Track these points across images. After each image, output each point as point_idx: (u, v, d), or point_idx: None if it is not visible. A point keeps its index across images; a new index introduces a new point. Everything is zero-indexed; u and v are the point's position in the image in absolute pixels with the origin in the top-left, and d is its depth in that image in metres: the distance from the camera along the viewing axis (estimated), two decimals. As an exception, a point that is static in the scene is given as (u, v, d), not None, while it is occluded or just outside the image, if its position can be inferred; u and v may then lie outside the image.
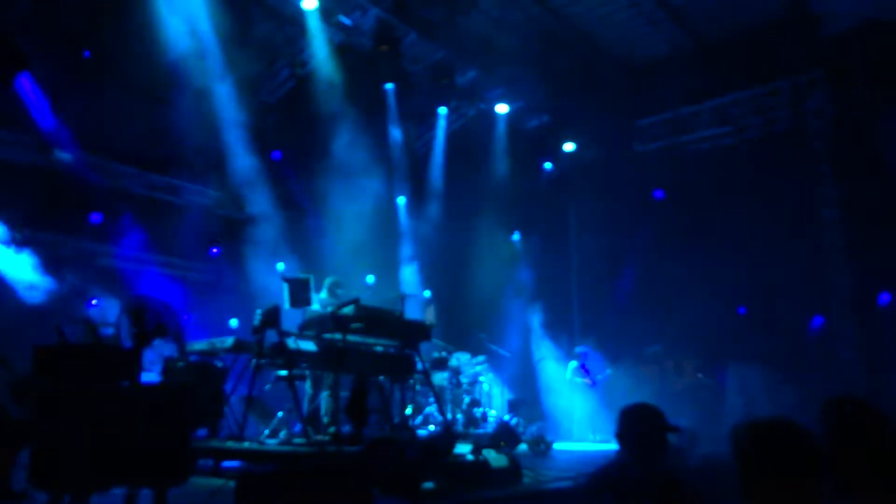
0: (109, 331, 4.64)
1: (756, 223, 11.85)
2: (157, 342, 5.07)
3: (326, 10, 10.92)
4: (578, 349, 12.05)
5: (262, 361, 6.93)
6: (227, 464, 6.27)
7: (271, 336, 6.75)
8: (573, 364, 11.88)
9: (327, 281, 8.70)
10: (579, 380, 11.64)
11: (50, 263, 10.02)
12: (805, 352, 11.36)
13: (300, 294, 7.33)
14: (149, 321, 4.54)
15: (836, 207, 11.74)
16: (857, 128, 11.38)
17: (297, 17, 11.24)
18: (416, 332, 7.67)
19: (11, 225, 9.98)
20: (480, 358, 11.16)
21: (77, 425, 3.84)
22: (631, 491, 3.02)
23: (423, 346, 8.18)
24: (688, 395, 11.95)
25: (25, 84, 9.99)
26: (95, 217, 11.49)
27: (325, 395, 7.68)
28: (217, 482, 5.11)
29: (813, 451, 2.04)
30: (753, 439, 2.06)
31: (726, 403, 11.67)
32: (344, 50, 11.83)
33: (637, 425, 3.20)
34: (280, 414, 7.79)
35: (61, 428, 3.89)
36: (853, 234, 11.43)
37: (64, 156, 10.89)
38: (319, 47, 11.68)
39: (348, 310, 6.86)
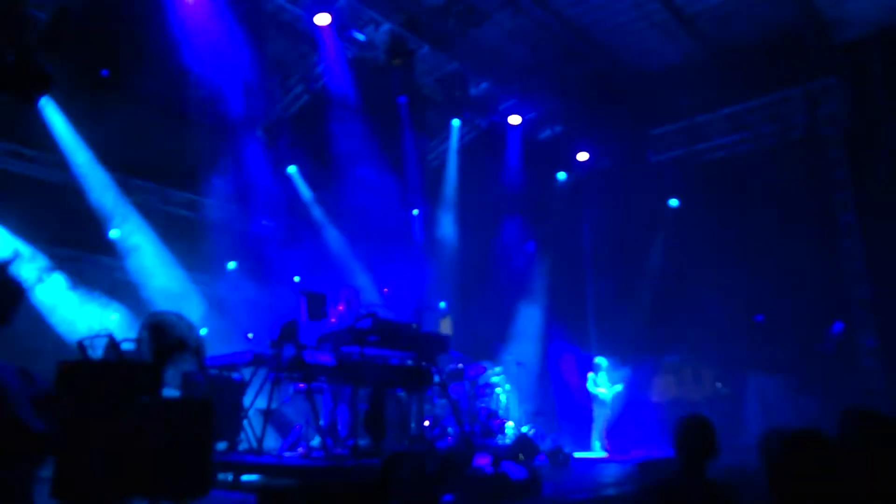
0: (130, 346, 4.68)
1: (773, 230, 11.78)
2: (176, 356, 5.10)
3: (340, 26, 11.03)
4: (596, 359, 11.99)
5: (281, 375, 6.96)
6: (246, 477, 6.29)
7: (289, 350, 6.78)
8: (591, 375, 11.82)
9: (345, 293, 8.73)
10: (597, 390, 11.58)
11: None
12: (825, 360, 11.24)
13: (318, 308, 7.36)
14: (169, 336, 4.58)
15: (854, 213, 11.66)
16: (874, 133, 11.32)
17: (311, 32, 11.35)
18: (432, 344, 7.67)
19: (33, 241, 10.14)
20: (497, 369, 11.13)
21: (99, 439, 3.88)
22: (680, 499, 3.19)
23: (440, 358, 8.18)
24: (706, 405, 11.84)
25: (46, 103, 10.16)
26: (114, 232, 11.61)
27: (343, 409, 7.70)
28: (237, 496, 5.14)
29: (841, 462, 2.04)
30: (784, 450, 2.07)
31: (745, 413, 11.55)
32: (357, 64, 11.93)
33: (689, 435, 3.37)
34: (298, 427, 7.81)
35: (83, 442, 3.93)
36: (871, 240, 11.34)
37: (85, 172, 11.04)
38: (333, 62, 11.78)
39: (365, 323, 6.88)
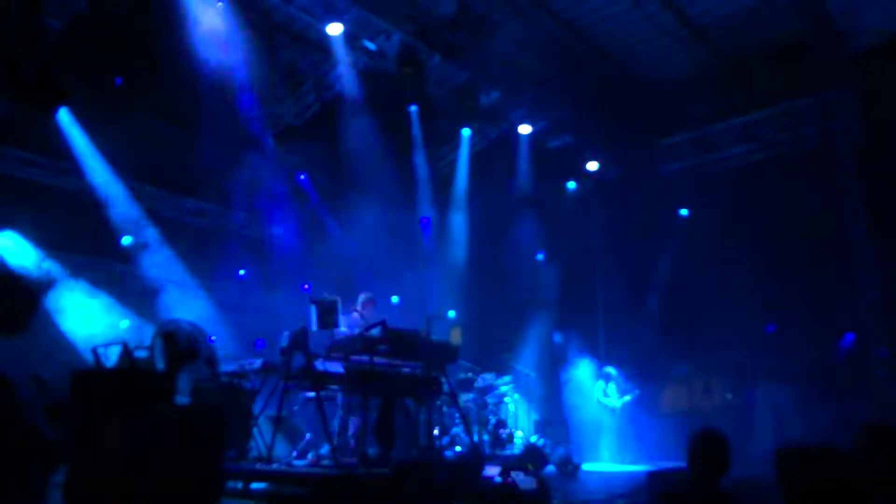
0: (143, 353, 4.71)
1: (784, 240, 11.73)
2: (188, 365, 5.13)
3: (351, 35, 11.10)
4: (605, 369, 11.96)
5: (290, 383, 6.98)
6: (255, 485, 6.31)
7: (299, 358, 6.80)
8: (600, 384, 11.79)
9: (361, 297, 8.73)
10: (606, 400, 11.55)
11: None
12: (836, 370, 11.17)
13: (328, 316, 7.37)
14: (181, 344, 4.61)
15: (865, 223, 11.58)
16: (886, 143, 11.26)
17: (323, 42, 11.43)
18: (442, 354, 7.66)
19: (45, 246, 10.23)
20: (506, 378, 11.11)
21: (111, 447, 3.91)
22: None
23: (449, 367, 8.18)
24: (717, 416, 11.79)
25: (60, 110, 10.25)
26: (126, 239, 11.69)
27: (352, 418, 7.72)
28: (247, 504, 5.15)
29: (858, 478, 2.04)
30: (800, 465, 2.07)
31: (756, 424, 11.50)
32: (369, 73, 11.99)
33: (702, 450, 3.39)
34: (308, 435, 7.83)
35: (95, 449, 3.96)
36: (883, 251, 11.26)
37: (96, 179, 11.13)
38: (345, 71, 11.86)
39: (375, 332, 6.89)
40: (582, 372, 12.99)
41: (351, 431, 7.75)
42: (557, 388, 13.28)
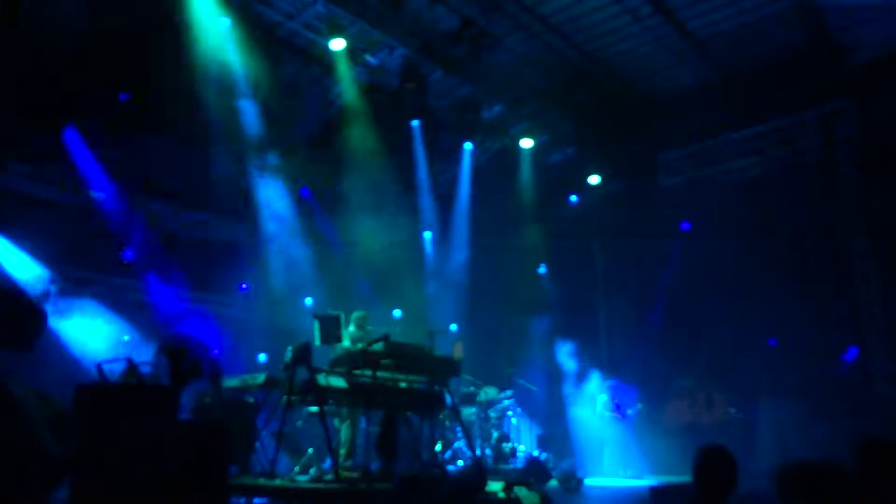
0: (147, 369, 4.73)
1: (785, 253, 11.75)
2: (192, 380, 5.14)
3: (354, 51, 11.17)
4: (608, 383, 11.94)
5: (293, 398, 6.98)
6: (258, 500, 6.30)
7: (302, 372, 6.80)
8: (603, 398, 11.77)
9: (354, 315, 8.77)
10: (609, 414, 11.52)
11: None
12: (838, 385, 11.15)
13: (331, 331, 7.40)
14: (186, 360, 4.62)
15: (867, 236, 11.61)
16: (887, 156, 11.29)
17: (325, 57, 11.51)
18: (445, 368, 7.67)
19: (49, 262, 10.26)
20: (508, 392, 11.10)
21: (114, 462, 3.91)
22: None
23: (451, 381, 8.18)
24: (719, 430, 11.76)
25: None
26: (129, 253, 11.70)
27: (345, 427, 7.73)
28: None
29: (858, 495, 2.04)
30: (802, 483, 2.08)
31: (758, 438, 11.46)
32: (371, 88, 12.06)
33: (710, 467, 3.41)
34: (310, 450, 7.82)
35: (99, 465, 3.96)
36: (885, 264, 11.27)
37: (99, 194, 11.17)
38: (347, 86, 11.92)
39: (378, 346, 6.90)
40: (585, 385, 12.95)
41: (353, 446, 7.74)
42: (560, 402, 13.25)
